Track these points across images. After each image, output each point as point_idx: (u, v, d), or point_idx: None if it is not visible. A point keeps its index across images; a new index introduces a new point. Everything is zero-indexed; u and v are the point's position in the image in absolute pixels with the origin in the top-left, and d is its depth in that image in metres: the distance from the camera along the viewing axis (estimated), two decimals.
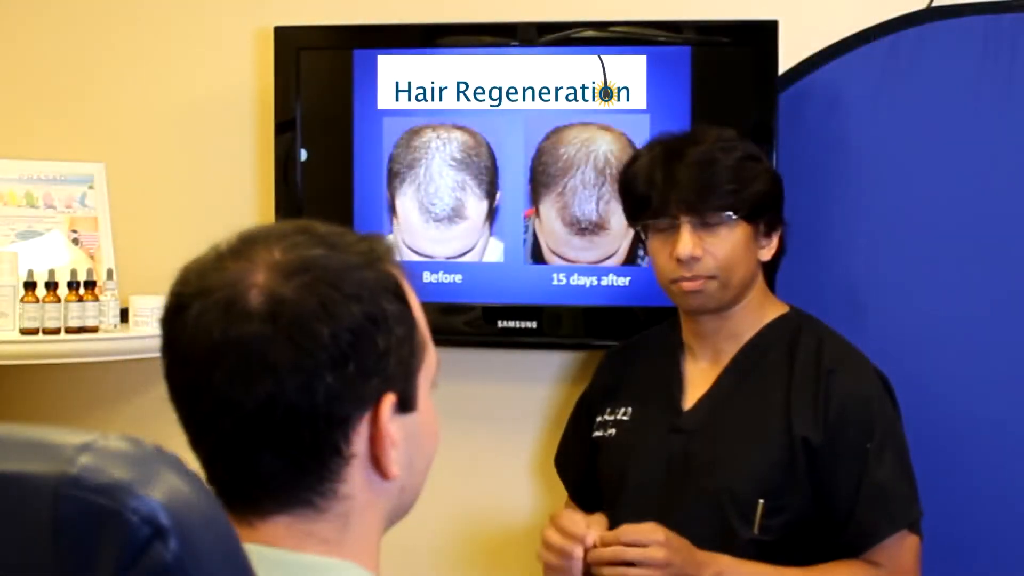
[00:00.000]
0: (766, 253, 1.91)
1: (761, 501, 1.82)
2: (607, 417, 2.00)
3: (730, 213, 1.84)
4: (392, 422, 0.95)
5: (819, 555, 1.84)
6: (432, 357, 1.01)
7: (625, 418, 1.98)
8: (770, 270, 1.97)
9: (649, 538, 1.75)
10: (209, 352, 0.91)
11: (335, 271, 0.93)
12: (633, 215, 1.93)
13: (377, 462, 0.96)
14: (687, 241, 1.83)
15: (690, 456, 1.89)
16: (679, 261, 1.84)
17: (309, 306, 0.91)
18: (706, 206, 1.84)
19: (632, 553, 1.74)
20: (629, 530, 1.76)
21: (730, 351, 1.93)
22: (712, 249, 1.84)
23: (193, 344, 0.92)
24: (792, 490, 1.82)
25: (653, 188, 1.86)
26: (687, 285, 1.86)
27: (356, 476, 0.95)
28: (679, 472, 1.89)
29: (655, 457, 1.92)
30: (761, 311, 1.94)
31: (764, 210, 1.89)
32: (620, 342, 2.14)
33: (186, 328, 0.93)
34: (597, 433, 2.02)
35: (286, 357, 0.90)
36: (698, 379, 1.95)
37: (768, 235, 1.91)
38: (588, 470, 2.07)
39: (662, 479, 1.90)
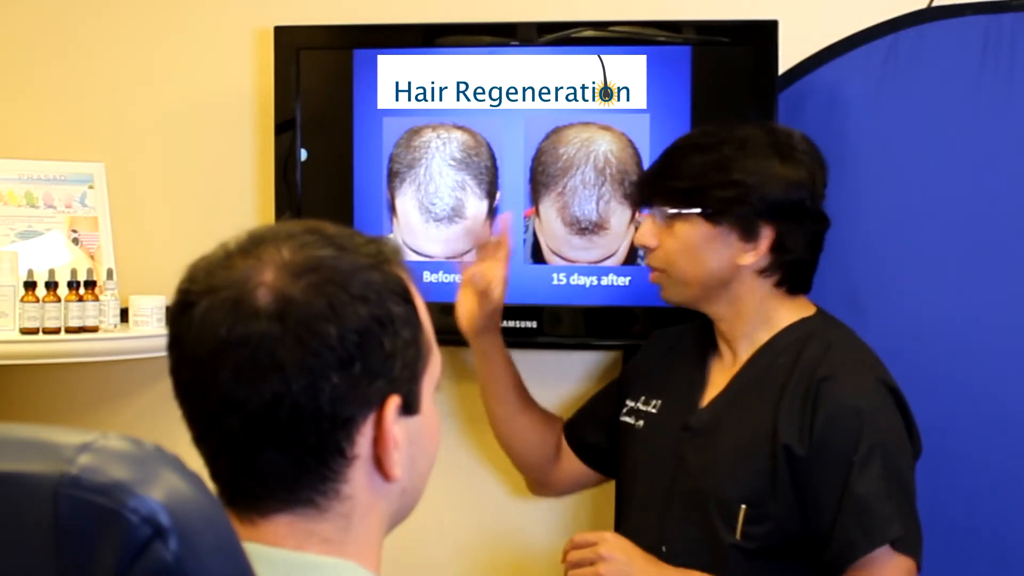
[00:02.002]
0: (748, 258, 1.84)
1: (743, 507, 1.80)
2: (640, 406, 2.01)
3: (667, 208, 1.87)
4: (396, 424, 0.95)
5: (806, 568, 1.81)
6: (436, 360, 1.01)
7: (653, 411, 1.99)
8: (794, 274, 1.89)
9: (597, 537, 1.84)
10: (215, 349, 0.91)
11: (343, 272, 0.93)
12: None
13: (380, 463, 0.96)
14: (641, 229, 1.92)
15: (691, 455, 1.89)
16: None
17: (317, 306, 0.91)
18: (658, 198, 1.90)
19: (579, 554, 1.84)
20: (580, 535, 1.88)
21: (746, 353, 1.91)
22: (666, 242, 1.88)
23: (200, 341, 0.92)
24: (775, 499, 1.79)
25: (638, 180, 2.03)
26: (650, 276, 1.94)
27: (358, 477, 0.95)
28: (681, 471, 1.90)
29: (666, 454, 1.92)
30: (775, 315, 1.90)
31: (725, 212, 1.83)
32: (671, 328, 2.11)
33: (193, 325, 0.93)
34: (627, 419, 2.03)
35: (293, 357, 0.90)
36: (718, 379, 1.95)
37: (749, 240, 1.84)
38: (603, 438, 2.12)
39: (667, 477, 1.91)
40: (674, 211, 1.86)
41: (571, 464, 2.19)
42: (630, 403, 2.04)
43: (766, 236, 1.85)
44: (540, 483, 2.25)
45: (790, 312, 1.91)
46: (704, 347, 1.99)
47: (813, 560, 1.81)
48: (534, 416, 2.20)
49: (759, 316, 1.90)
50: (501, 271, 2.06)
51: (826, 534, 1.77)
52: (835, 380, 1.80)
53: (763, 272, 1.88)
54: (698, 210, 1.84)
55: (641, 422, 2.00)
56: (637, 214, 2.21)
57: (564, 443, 2.19)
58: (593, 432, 2.16)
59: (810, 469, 1.78)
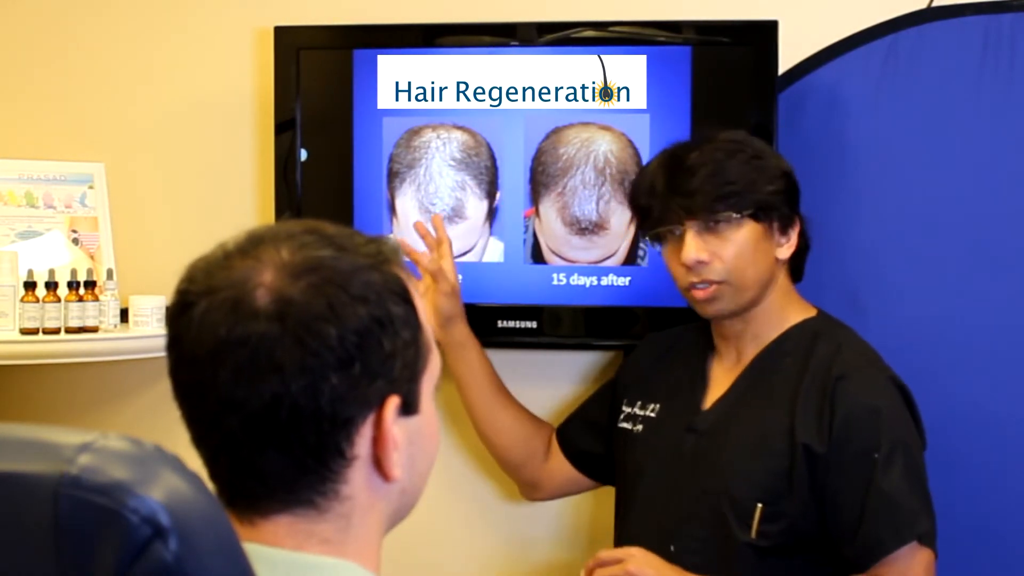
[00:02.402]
0: (785, 251, 1.91)
1: (759, 506, 1.81)
2: (637, 411, 2.02)
3: (731, 214, 1.84)
4: (395, 424, 0.95)
5: (819, 565, 1.83)
6: (436, 360, 1.01)
7: (653, 415, 2.00)
8: (796, 266, 1.96)
9: (624, 553, 1.81)
10: (215, 350, 0.91)
11: (343, 272, 0.93)
12: (641, 225, 1.99)
13: (379, 464, 0.96)
14: (692, 246, 1.84)
15: (699, 456, 1.90)
16: (688, 267, 1.85)
17: (317, 307, 0.91)
18: (705, 209, 1.84)
19: (607, 572, 1.80)
20: (605, 552, 1.84)
21: (752, 353, 1.92)
22: (720, 252, 1.85)
23: (199, 342, 0.92)
24: (791, 497, 1.81)
25: (654, 197, 1.89)
26: (699, 294, 1.87)
27: (358, 477, 0.95)
28: (688, 472, 1.90)
29: (670, 455, 1.93)
30: (784, 313, 1.93)
31: (773, 208, 1.88)
32: (658, 333, 2.14)
33: (192, 326, 0.92)
34: (625, 425, 2.03)
35: (293, 357, 0.90)
36: (720, 380, 1.95)
37: (785, 233, 1.90)
38: (597, 443, 2.13)
39: (673, 478, 1.91)
40: (738, 215, 1.84)
41: (562, 467, 2.19)
42: (627, 408, 2.04)
43: (796, 225, 1.92)
44: (530, 485, 2.24)
45: (797, 312, 1.94)
46: (702, 348, 1.99)
47: (823, 556, 1.83)
48: (516, 412, 2.21)
49: (774, 314, 1.92)
50: (448, 259, 2.11)
51: (849, 531, 1.79)
52: (851, 380, 1.83)
53: (786, 264, 1.93)
54: (752, 210, 1.85)
55: (640, 426, 2.00)
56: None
57: (555, 446, 2.20)
58: (586, 438, 2.17)
59: (830, 467, 1.80)
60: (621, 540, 1.96)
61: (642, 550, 1.82)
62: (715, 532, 1.84)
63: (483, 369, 2.17)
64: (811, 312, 1.95)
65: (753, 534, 1.81)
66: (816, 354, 1.87)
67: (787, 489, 1.81)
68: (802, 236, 1.94)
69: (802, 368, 1.87)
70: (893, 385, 1.86)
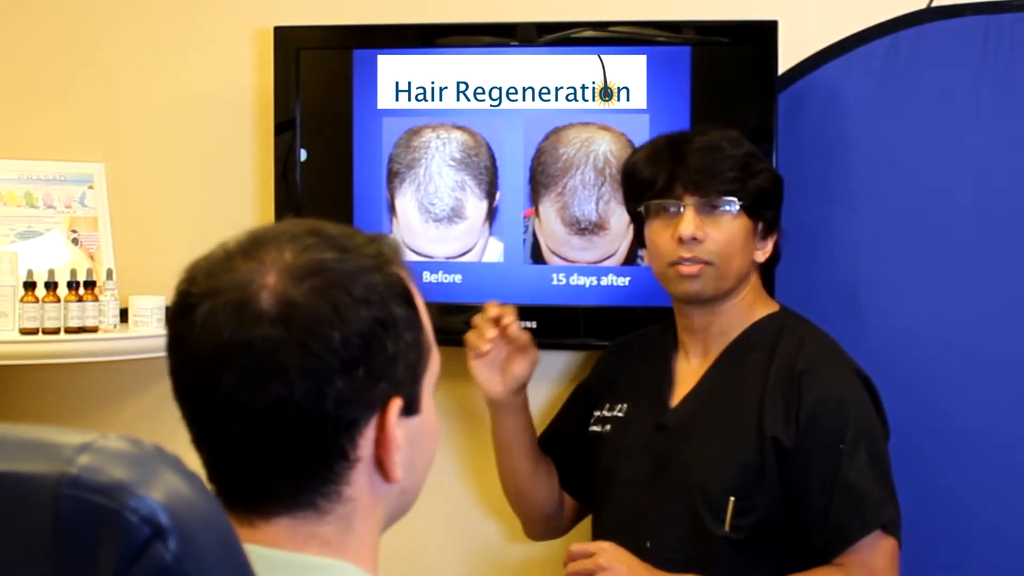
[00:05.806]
0: (761, 255, 1.93)
1: (732, 500, 1.84)
2: (605, 413, 2.03)
3: (734, 200, 1.86)
4: (397, 426, 0.95)
5: (793, 556, 1.85)
6: (436, 360, 1.01)
7: (620, 415, 2.01)
8: (765, 275, 1.99)
9: (595, 547, 1.82)
10: (218, 353, 0.91)
11: (346, 275, 0.93)
12: (636, 196, 1.94)
13: (381, 465, 0.95)
14: (691, 221, 1.86)
15: (670, 453, 1.92)
16: (681, 241, 1.86)
17: (321, 310, 0.91)
18: (712, 189, 1.86)
19: (578, 565, 1.81)
20: (576, 545, 1.84)
21: (718, 348, 1.95)
22: (713, 234, 1.87)
23: (202, 344, 0.92)
24: (763, 490, 1.83)
25: (660, 169, 1.89)
26: (685, 269, 1.87)
27: (360, 479, 0.95)
28: (660, 469, 1.92)
29: (641, 454, 1.95)
30: (751, 309, 1.95)
31: (765, 207, 1.91)
32: (622, 337, 2.16)
33: (195, 328, 0.92)
34: (595, 428, 2.05)
35: (297, 361, 0.90)
36: (687, 376, 1.97)
37: (765, 237, 1.93)
38: (575, 457, 2.12)
39: (646, 476, 1.93)
40: (738, 204, 1.86)
41: (568, 501, 2.19)
42: (596, 412, 2.06)
43: (775, 233, 1.95)
44: (552, 529, 2.22)
45: (761, 308, 1.97)
46: (666, 347, 2.01)
47: (795, 547, 1.85)
48: (549, 463, 2.18)
49: (743, 310, 1.94)
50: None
51: (816, 520, 1.82)
52: (815, 373, 1.86)
53: (760, 267, 1.95)
54: (750, 203, 1.88)
55: (608, 427, 2.02)
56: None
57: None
58: (570, 462, 2.15)
59: (798, 458, 1.83)
60: (597, 539, 1.96)
61: (613, 544, 1.83)
62: (689, 527, 1.86)
63: (531, 430, 2.16)
64: (774, 307, 1.98)
65: (727, 527, 1.84)
66: (780, 349, 1.90)
67: (758, 482, 1.84)
68: (776, 247, 1.96)
69: (768, 362, 1.89)
70: (857, 377, 1.89)
